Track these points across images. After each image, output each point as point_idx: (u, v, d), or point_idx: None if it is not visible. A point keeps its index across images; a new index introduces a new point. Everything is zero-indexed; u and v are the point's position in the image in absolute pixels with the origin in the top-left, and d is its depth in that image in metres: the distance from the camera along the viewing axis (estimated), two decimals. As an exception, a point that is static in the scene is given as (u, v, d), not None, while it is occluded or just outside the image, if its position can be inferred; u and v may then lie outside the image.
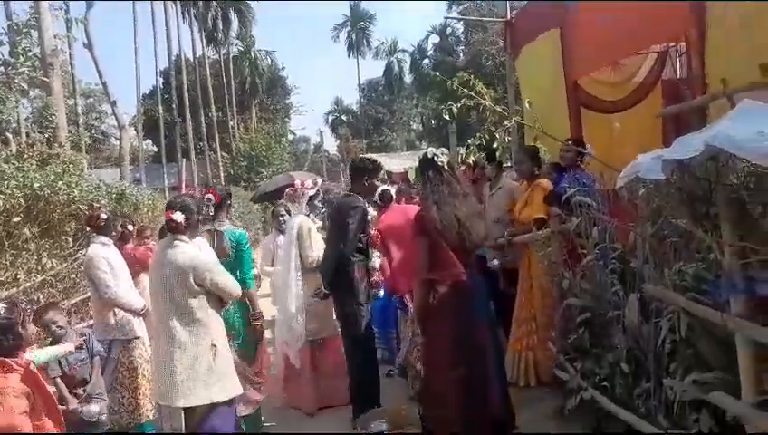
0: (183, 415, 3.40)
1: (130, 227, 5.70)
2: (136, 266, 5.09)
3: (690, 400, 2.59)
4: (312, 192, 5.03)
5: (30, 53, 7.01)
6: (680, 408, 2.68)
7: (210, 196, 4.23)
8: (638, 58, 6.71)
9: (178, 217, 3.37)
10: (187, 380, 3.29)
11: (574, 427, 3.65)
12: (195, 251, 3.47)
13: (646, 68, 6.77)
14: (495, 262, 5.02)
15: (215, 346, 3.39)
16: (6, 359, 2.79)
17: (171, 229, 3.42)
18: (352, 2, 53.29)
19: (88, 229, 7.21)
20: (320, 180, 5.30)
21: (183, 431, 3.43)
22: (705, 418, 2.52)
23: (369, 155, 5.47)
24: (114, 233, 4.97)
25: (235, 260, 4.18)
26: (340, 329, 4.65)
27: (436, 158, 3.48)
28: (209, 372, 3.34)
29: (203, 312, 3.39)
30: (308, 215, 5.01)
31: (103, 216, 4.79)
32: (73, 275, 7.64)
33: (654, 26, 4.91)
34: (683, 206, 2.61)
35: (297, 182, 5.08)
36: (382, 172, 5.50)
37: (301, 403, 4.88)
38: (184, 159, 31.65)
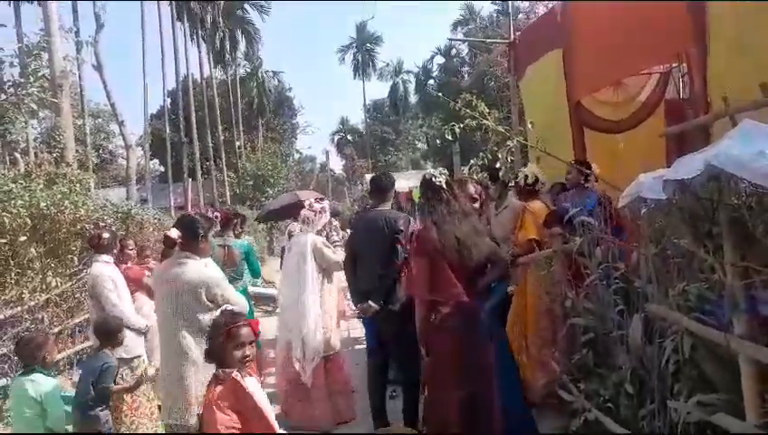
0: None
1: (130, 249, 5.71)
2: (130, 286, 5.12)
3: (695, 421, 2.56)
4: (327, 217, 5.11)
5: (40, 75, 7.10)
6: (685, 429, 2.65)
7: (217, 214, 4.86)
8: (640, 78, 6.75)
9: (174, 233, 3.41)
10: (202, 397, 3.28)
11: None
12: (205, 268, 3.49)
13: (649, 88, 6.80)
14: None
15: None
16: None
17: (168, 246, 3.45)
18: (358, 21, 53.75)
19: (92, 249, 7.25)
20: (326, 201, 5.33)
21: None
22: (710, 440, 2.49)
23: (383, 172, 5.46)
24: (114, 252, 5.01)
25: (243, 269, 5.06)
26: (397, 345, 4.33)
27: (434, 178, 3.50)
28: None
29: None
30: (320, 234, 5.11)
31: (105, 235, 4.84)
32: (78, 295, 7.66)
33: (655, 46, 4.96)
34: (685, 226, 2.60)
35: (307, 203, 5.13)
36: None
37: (313, 421, 4.81)
38: (190, 179, 31.85)
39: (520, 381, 3.78)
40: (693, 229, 2.55)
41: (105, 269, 4.70)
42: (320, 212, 5.02)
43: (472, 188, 4.30)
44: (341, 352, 4.95)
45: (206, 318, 3.36)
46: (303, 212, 5.07)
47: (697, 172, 2.23)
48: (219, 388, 2.49)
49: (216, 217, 5.04)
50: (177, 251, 3.51)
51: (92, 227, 8.12)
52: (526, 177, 4.93)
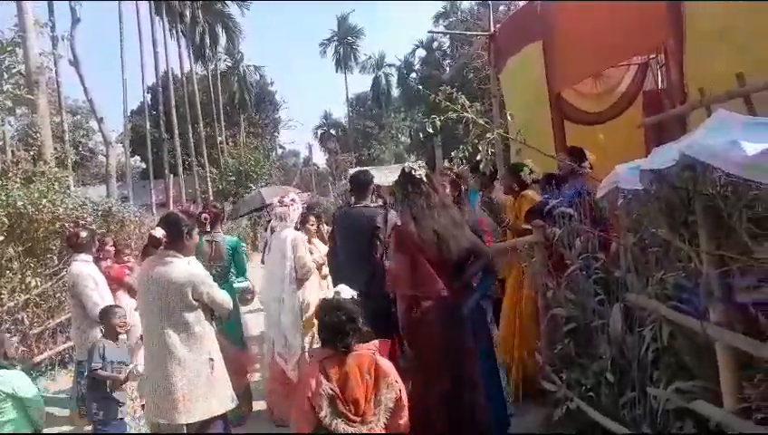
0: (185, 430, 3.38)
1: (109, 247, 5.65)
2: (112, 285, 5.07)
3: (674, 408, 2.60)
4: (299, 206, 5.10)
5: (14, 71, 6.97)
6: (664, 416, 2.69)
7: (206, 215, 5.06)
8: (620, 69, 6.80)
9: (158, 232, 3.37)
10: (188, 395, 3.28)
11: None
12: (190, 266, 3.47)
13: (628, 79, 6.86)
14: None
15: (212, 359, 3.40)
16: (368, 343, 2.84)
17: (153, 245, 3.41)
18: (339, 15, 53.49)
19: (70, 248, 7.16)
20: (293, 195, 5.31)
21: None
22: (689, 426, 2.53)
23: (362, 168, 5.47)
24: (93, 250, 4.96)
25: (229, 264, 5.18)
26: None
27: (413, 171, 3.50)
28: (208, 386, 3.35)
29: (200, 326, 3.40)
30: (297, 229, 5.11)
31: (83, 234, 4.79)
32: (59, 295, 7.57)
33: (634, 37, 4.99)
34: (661, 215, 2.63)
35: (276, 200, 5.14)
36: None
37: None
38: (172, 175, 31.55)
39: (499, 376, 3.81)
40: (669, 219, 2.58)
41: (85, 268, 4.65)
42: (290, 204, 5.03)
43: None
44: None
45: (191, 317, 3.34)
46: (277, 210, 5.08)
47: (672, 162, 2.26)
48: None
49: (206, 218, 5.07)
50: (161, 249, 3.47)
51: (72, 225, 8.02)
52: (531, 172, 5.00)
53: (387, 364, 2.84)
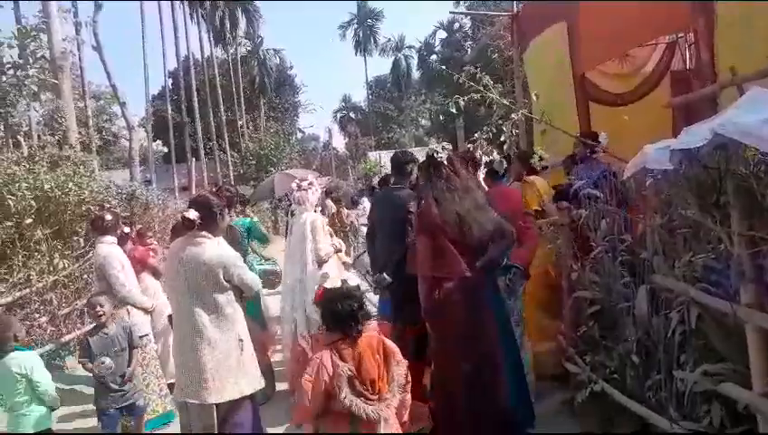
0: (215, 411, 3.43)
1: (127, 230, 5.67)
2: (136, 266, 5.13)
3: (701, 391, 2.58)
4: (318, 188, 5.09)
5: (39, 56, 7.05)
6: (691, 399, 2.66)
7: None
8: (646, 49, 6.67)
9: (192, 214, 3.38)
10: (218, 376, 3.31)
11: (585, 420, 3.63)
12: (222, 248, 3.49)
13: (654, 59, 6.73)
14: None
15: (241, 340, 3.41)
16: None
17: (186, 227, 3.42)
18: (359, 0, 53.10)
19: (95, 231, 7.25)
20: (311, 178, 5.29)
21: (216, 428, 3.44)
22: (717, 409, 2.50)
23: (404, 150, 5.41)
24: (118, 232, 5.01)
25: (246, 247, 5.16)
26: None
27: (435, 154, 3.48)
28: (238, 367, 3.36)
29: (231, 307, 3.41)
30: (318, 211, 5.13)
31: (108, 217, 4.84)
32: (85, 276, 7.71)
33: (661, 17, 4.88)
34: (691, 196, 2.58)
35: (294, 185, 5.12)
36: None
37: None
38: (193, 159, 31.81)
39: (520, 356, 3.80)
40: (699, 199, 2.54)
41: (112, 250, 4.72)
42: (308, 188, 5.02)
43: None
44: None
45: (222, 298, 3.37)
46: (295, 194, 5.08)
47: (704, 141, 2.21)
48: None
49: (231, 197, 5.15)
50: (192, 230, 3.49)
51: (97, 208, 8.15)
52: (542, 159, 4.94)
53: (391, 343, 2.94)
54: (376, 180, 14.72)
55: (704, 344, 2.65)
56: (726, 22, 4.15)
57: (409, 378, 2.91)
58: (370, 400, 2.75)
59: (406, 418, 2.92)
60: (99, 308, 4.13)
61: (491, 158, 4.68)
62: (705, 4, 4.26)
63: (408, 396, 2.90)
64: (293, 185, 5.16)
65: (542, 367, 4.36)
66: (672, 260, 2.96)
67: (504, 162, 4.60)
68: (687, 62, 6.64)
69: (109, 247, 4.72)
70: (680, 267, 2.82)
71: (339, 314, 2.86)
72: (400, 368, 2.87)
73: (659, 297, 3.03)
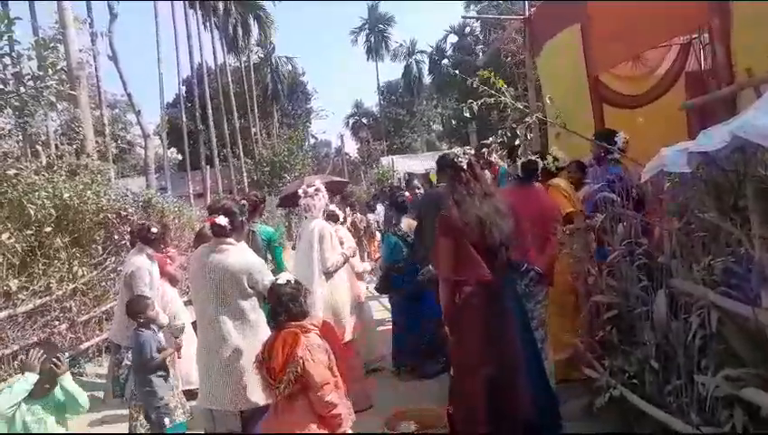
0: (240, 418, 3.44)
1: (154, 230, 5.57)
2: None
3: (723, 396, 2.55)
4: (324, 194, 5.02)
5: (58, 68, 7.15)
6: (713, 404, 2.64)
7: (244, 202, 4.75)
8: (659, 51, 6.63)
9: (223, 220, 3.41)
10: (243, 383, 3.33)
11: (604, 425, 3.61)
12: (246, 254, 3.51)
13: (668, 60, 6.68)
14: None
15: None
16: (302, 322, 3.06)
17: (217, 234, 3.45)
18: (369, 2, 53.19)
19: (116, 237, 7.35)
20: (318, 183, 5.13)
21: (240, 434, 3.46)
22: (739, 414, 2.47)
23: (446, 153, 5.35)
24: (162, 246, 5.05)
25: (265, 254, 4.93)
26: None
27: (456, 159, 3.48)
28: None
29: (255, 313, 3.44)
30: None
31: (154, 229, 4.89)
32: (104, 283, 7.80)
33: (675, 17, 4.84)
34: (710, 199, 2.57)
35: (301, 191, 5.02)
36: (404, 174, 5.56)
37: None
38: (208, 167, 32.08)
39: (542, 360, 3.77)
40: (718, 202, 2.52)
41: (146, 263, 4.76)
42: (315, 194, 4.92)
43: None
44: (356, 339, 4.93)
45: (247, 304, 3.38)
46: (302, 202, 4.97)
47: (723, 144, 2.20)
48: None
49: (244, 204, 5.04)
50: (213, 238, 3.51)
51: (115, 216, 8.24)
52: (556, 160, 4.85)
53: (312, 342, 3.01)
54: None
55: (725, 349, 2.62)
56: (743, 21, 4.11)
57: (324, 379, 2.94)
58: (271, 385, 2.94)
59: (332, 413, 2.95)
60: (150, 311, 4.12)
61: (527, 158, 4.62)
62: (721, 4, 4.22)
63: (321, 395, 2.91)
64: (300, 192, 5.05)
65: (563, 373, 4.33)
66: (689, 264, 2.94)
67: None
68: (702, 63, 6.59)
69: (143, 260, 4.77)
70: (699, 271, 2.79)
71: (269, 309, 3.11)
72: (315, 368, 2.89)
73: (678, 301, 3.00)
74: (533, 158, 4.52)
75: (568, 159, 4.95)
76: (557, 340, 4.42)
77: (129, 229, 6.14)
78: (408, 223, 5.67)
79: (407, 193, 6.12)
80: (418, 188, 6.03)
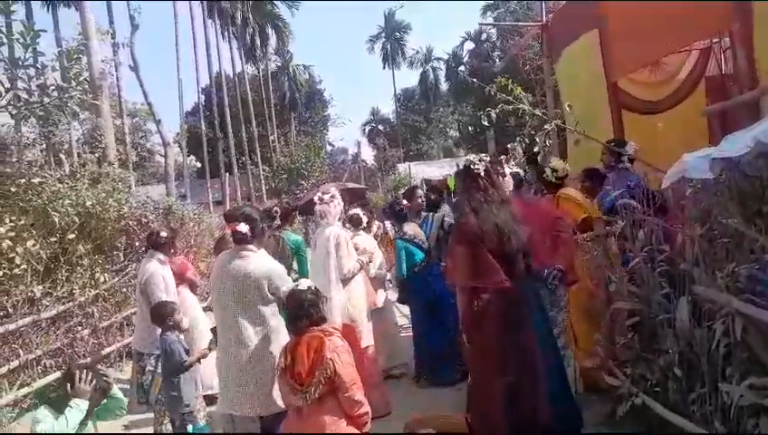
0: (259, 423, 3.46)
1: (163, 234, 5.27)
2: (174, 280, 5.19)
3: (748, 404, 2.51)
4: (339, 201, 5.01)
5: (81, 78, 7.30)
6: (738, 413, 2.59)
7: (277, 209, 5.21)
8: (679, 56, 6.57)
9: (244, 228, 3.45)
10: (264, 389, 3.35)
11: (627, 433, 3.56)
12: (267, 260, 3.54)
13: (688, 66, 6.63)
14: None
15: None
16: (323, 326, 3.19)
17: (238, 241, 3.49)
18: (386, 8, 53.45)
19: (137, 244, 7.45)
20: (333, 190, 5.13)
21: None
22: (765, 423, 2.43)
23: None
24: (172, 250, 5.12)
25: (291, 262, 5.11)
26: None
27: (473, 165, 3.48)
28: None
29: (275, 319, 3.46)
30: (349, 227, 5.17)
31: (163, 234, 4.96)
32: (125, 289, 7.90)
33: (695, 22, 4.80)
34: (733, 205, 2.54)
35: (317, 198, 5.01)
36: (420, 181, 5.59)
37: None
38: (227, 174, 32.39)
39: (563, 367, 3.73)
40: (742, 208, 2.49)
41: (160, 268, 4.82)
42: (330, 201, 4.90)
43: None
44: (372, 345, 4.93)
45: (267, 310, 3.41)
46: (317, 208, 4.95)
47: (746, 150, 2.19)
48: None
49: (276, 212, 5.22)
50: (234, 245, 3.55)
51: (136, 223, 8.36)
52: (555, 171, 4.82)
53: (337, 346, 3.12)
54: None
55: (749, 357, 2.58)
56: (765, 24, 4.06)
57: (352, 379, 3.06)
58: (297, 389, 3.03)
59: (359, 411, 3.08)
60: (176, 315, 4.18)
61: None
62: (743, 5, 4.17)
63: (350, 395, 3.04)
64: (315, 198, 5.04)
65: (591, 381, 4.29)
66: (713, 270, 2.90)
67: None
68: (723, 68, 6.52)
69: (155, 265, 4.82)
70: (723, 278, 2.76)
71: (288, 315, 3.24)
72: (344, 368, 3.01)
73: (701, 309, 2.97)
74: (514, 170, 4.57)
75: (568, 169, 4.92)
76: (585, 347, 4.38)
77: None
78: (412, 228, 5.78)
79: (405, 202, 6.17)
80: (420, 198, 6.05)
